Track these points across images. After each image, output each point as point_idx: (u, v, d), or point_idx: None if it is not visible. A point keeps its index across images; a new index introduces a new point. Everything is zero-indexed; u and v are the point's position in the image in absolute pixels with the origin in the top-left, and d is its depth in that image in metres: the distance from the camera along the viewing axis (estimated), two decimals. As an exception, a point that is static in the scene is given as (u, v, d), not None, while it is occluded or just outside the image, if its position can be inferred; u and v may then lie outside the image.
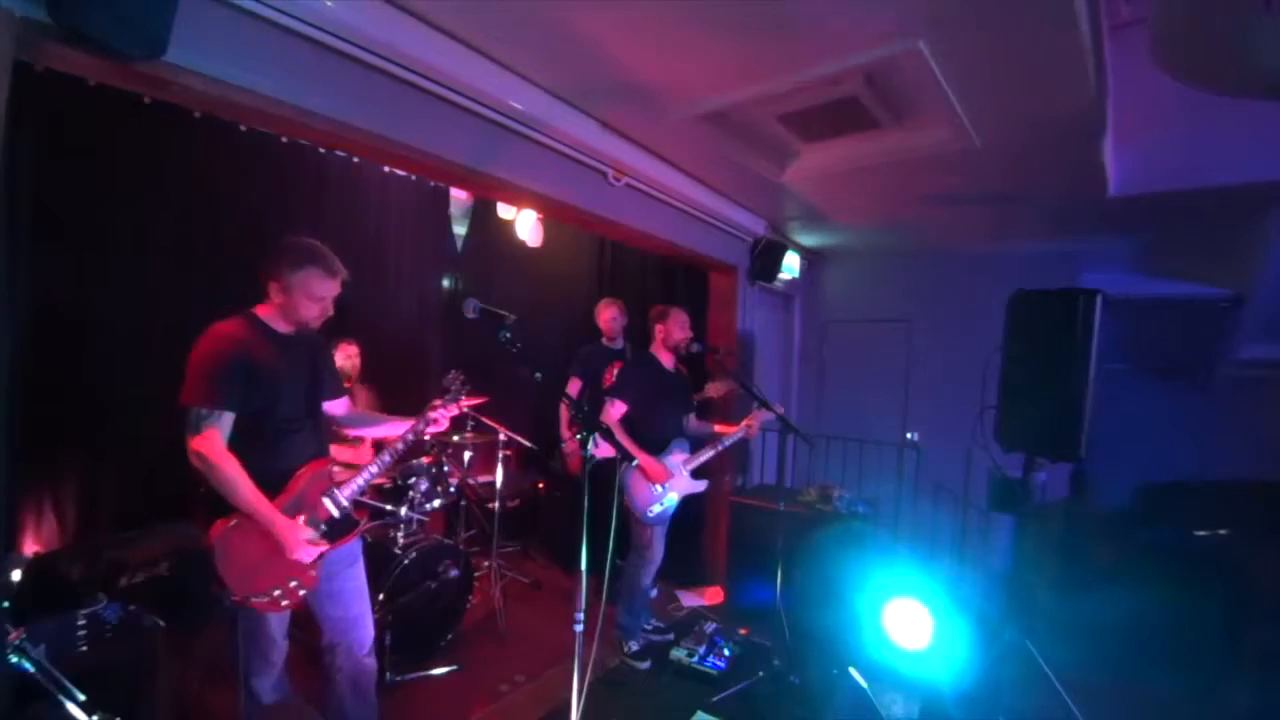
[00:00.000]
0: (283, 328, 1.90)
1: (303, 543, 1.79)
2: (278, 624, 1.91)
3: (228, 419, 1.73)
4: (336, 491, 1.94)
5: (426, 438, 2.15)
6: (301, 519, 1.84)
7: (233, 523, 1.75)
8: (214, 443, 1.69)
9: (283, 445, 1.86)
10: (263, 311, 1.89)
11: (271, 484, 1.79)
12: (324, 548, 1.85)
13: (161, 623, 2.12)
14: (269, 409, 1.81)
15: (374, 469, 1.97)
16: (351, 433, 2.23)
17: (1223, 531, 3.44)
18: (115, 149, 2.92)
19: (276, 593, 1.79)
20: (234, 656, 1.90)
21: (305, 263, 1.84)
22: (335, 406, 2.13)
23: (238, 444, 1.74)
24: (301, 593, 1.85)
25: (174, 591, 2.69)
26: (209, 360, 1.71)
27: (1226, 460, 3.74)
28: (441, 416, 2.04)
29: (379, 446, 2.06)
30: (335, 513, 1.93)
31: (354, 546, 2.07)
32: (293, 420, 1.89)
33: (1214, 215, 3.60)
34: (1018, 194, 3.51)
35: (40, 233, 2.68)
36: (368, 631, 2.09)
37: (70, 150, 2.78)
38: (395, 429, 2.10)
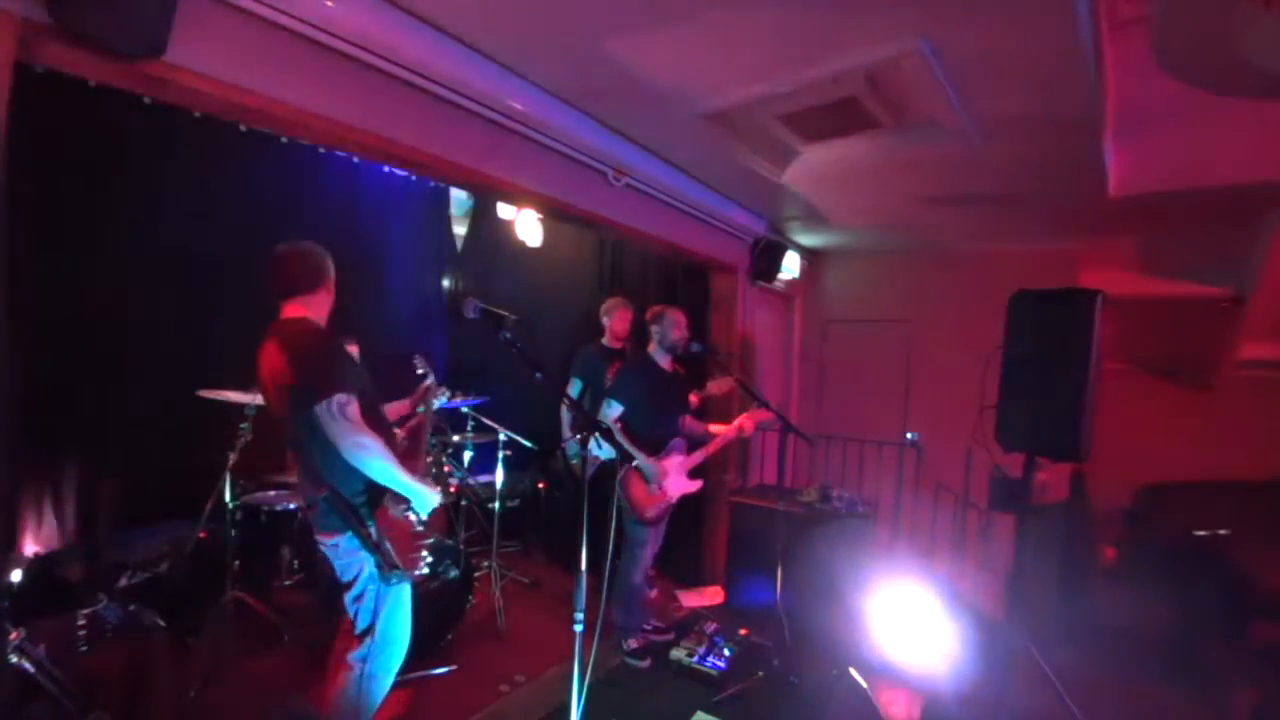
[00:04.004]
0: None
1: (436, 499, 1.95)
2: (410, 618, 2.00)
3: (356, 403, 1.77)
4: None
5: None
6: None
7: (401, 507, 1.88)
8: (360, 422, 1.74)
9: (380, 430, 1.92)
10: (314, 317, 1.94)
11: None
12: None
13: (161, 623, 2.12)
14: (367, 395, 1.90)
15: (431, 445, 2.18)
16: None
17: (1223, 531, 3.44)
18: (115, 149, 2.92)
19: (415, 565, 1.94)
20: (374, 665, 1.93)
21: (327, 261, 1.99)
22: None
23: None
24: (425, 561, 2.00)
25: (174, 591, 2.69)
26: (324, 350, 1.79)
27: (1226, 460, 3.74)
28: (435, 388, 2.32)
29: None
30: None
31: None
32: (376, 406, 1.97)
33: (1214, 215, 3.60)
34: (1018, 194, 3.51)
35: (40, 233, 2.68)
36: None
37: (70, 150, 2.78)
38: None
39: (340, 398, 1.71)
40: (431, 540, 2.05)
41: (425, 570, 1.99)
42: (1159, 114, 2.78)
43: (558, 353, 4.48)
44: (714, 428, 3.29)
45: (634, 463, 2.96)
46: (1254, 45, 1.76)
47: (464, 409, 3.66)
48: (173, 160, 3.10)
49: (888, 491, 4.43)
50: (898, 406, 5.11)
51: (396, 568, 1.85)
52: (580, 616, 1.81)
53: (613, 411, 3.02)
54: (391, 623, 1.93)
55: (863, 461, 4.68)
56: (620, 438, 2.95)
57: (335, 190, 3.90)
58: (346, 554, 1.87)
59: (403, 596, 1.95)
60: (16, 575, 2.33)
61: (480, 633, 3.19)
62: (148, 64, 1.53)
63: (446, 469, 3.51)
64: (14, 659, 1.66)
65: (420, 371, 2.43)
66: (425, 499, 1.91)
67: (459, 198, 4.74)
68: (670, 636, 3.35)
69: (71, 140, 2.78)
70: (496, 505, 3.54)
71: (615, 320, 3.86)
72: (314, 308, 1.93)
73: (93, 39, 1.39)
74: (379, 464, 1.76)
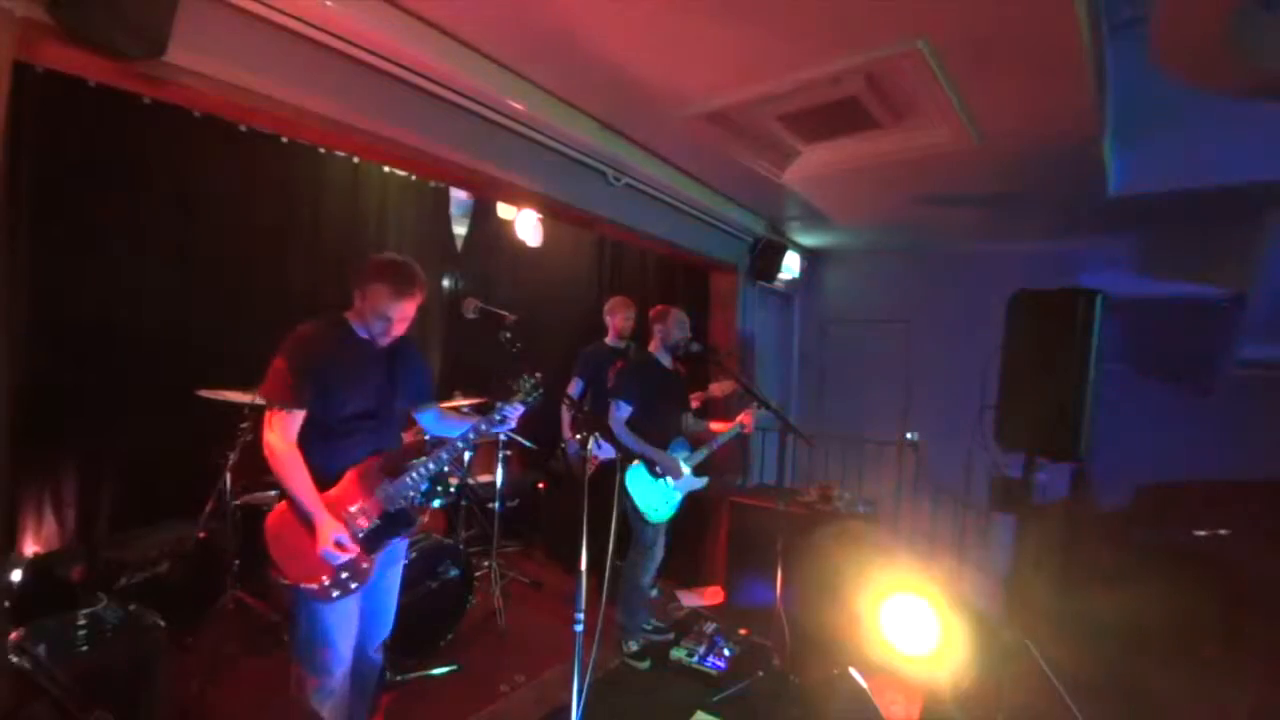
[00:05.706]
0: (365, 333, 1.95)
1: (329, 542, 1.77)
2: (338, 628, 1.90)
3: (298, 416, 1.82)
4: (389, 485, 1.94)
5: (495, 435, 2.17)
6: (353, 508, 1.87)
7: (287, 509, 1.84)
8: (282, 437, 1.80)
9: (346, 442, 1.91)
10: (350, 315, 1.95)
11: (331, 477, 1.87)
12: (350, 555, 1.82)
13: (161, 623, 2.12)
14: (338, 407, 1.88)
15: (431, 465, 2.00)
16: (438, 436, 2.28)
17: (1223, 531, 3.44)
18: (115, 149, 2.92)
19: (327, 582, 1.83)
20: (301, 666, 1.90)
21: (375, 278, 1.87)
22: (424, 415, 2.17)
23: (305, 437, 1.84)
24: (354, 585, 1.87)
25: (174, 591, 2.69)
26: (286, 361, 1.81)
27: (1226, 460, 3.74)
28: (511, 416, 2.03)
29: (436, 443, 2.10)
30: (389, 507, 1.94)
31: (400, 546, 2.12)
32: (362, 419, 1.93)
33: (1214, 215, 3.60)
34: (1018, 194, 3.51)
35: (40, 233, 2.68)
36: (384, 629, 2.14)
37: (70, 150, 2.78)
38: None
39: (275, 408, 1.80)
40: (367, 565, 1.90)
41: (337, 593, 1.83)
42: (1159, 114, 2.78)
43: (558, 353, 4.48)
44: (715, 425, 3.29)
45: (636, 462, 2.96)
46: (1254, 45, 1.76)
47: (464, 409, 3.65)
48: (173, 160, 3.10)
49: (888, 491, 4.43)
50: (898, 407, 5.10)
51: (284, 578, 1.83)
52: (581, 617, 1.80)
53: (623, 413, 3.01)
54: (308, 622, 1.86)
55: (863, 461, 4.68)
56: (625, 438, 2.95)
57: (335, 190, 3.90)
58: None
59: (316, 604, 1.84)
60: (16, 575, 2.33)
61: (480, 633, 3.19)
62: (148, 64, 1.53)
63: (447, 469, 3.51)
64: (14, 659, 1.67)
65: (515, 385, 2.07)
66: (317, 529, 1.77)
67: (459, 198, 4.74)
68: (670, 636, 3.35)
69: (71, 140, 2.77)
70: (496, 505, 3.54)
71: (618, 319, 3.86)
72: (354, 315, 1.95)
73: (93, 39, 1.39)
74: (282, 477, 1.79)
